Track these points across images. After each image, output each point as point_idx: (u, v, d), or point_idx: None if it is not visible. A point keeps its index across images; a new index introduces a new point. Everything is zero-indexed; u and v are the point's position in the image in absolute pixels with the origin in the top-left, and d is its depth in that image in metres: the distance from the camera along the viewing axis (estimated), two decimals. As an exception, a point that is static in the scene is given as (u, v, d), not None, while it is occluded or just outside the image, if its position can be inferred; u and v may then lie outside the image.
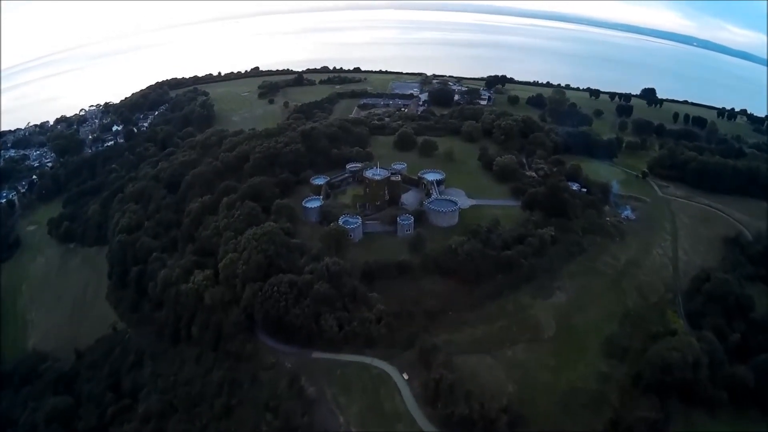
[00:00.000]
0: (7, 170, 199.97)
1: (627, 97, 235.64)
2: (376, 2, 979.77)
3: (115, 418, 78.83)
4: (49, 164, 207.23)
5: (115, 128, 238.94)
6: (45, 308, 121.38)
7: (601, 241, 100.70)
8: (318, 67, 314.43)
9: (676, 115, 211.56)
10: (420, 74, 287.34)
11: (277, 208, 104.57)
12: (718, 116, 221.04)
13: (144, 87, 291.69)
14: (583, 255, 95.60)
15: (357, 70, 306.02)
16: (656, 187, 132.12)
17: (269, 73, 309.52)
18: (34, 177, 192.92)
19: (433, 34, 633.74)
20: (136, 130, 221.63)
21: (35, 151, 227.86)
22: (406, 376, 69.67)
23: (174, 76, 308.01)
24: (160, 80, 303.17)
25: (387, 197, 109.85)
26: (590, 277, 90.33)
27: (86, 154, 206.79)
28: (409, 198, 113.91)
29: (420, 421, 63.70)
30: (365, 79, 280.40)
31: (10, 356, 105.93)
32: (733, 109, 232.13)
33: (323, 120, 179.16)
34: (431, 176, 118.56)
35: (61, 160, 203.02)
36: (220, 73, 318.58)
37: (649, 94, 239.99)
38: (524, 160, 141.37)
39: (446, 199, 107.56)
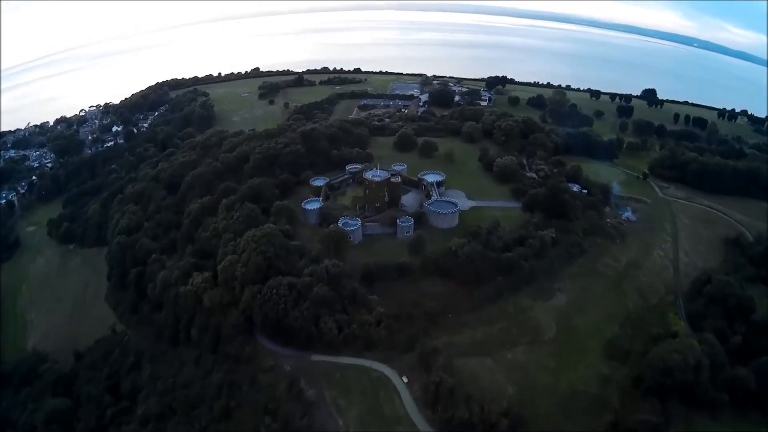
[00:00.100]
0: (6, 171, 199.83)
1: (627, 97, 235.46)
2: (377, 2, 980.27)
3: (114, 420, 78.57)
4: (49, 165, 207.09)
5: (115, 129, 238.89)
6: (45, 309, 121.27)
7: (602, 242, 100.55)
8: (318, 67, 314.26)
9: (676, 116, 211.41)
10: (420, 75, 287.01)
11: (277, 210, 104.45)
12: (719, 117, 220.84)
13: (144, 87, 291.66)
14: (583, 256, 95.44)
15: (357, 70, 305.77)
16: (657, 188, 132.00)
17: (269, 73, 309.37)
18: (34, 177, 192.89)
19: (433, 35, 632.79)
20: (136, 131, 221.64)
21: (35, 152, 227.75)
22: (405, 379, 69.44)
23: (174, 77, 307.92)
24: (160, 81, 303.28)
25: (387, 199, 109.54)
26: (591, 279, 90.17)
27: (86, 154, 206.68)
28: (409, 199, 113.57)
29: (420, 424, 63.52)
30: (365, 79, 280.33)
31: (10, 357, 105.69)
32: (733, 109, 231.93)
33: (323, 121, 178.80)
34: (431, 177, 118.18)
35: (61, 160, 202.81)
36: (220, 73, 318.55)
37: (649, 95, 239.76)
38: (525, 161, 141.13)
39: (446, 201, 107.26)
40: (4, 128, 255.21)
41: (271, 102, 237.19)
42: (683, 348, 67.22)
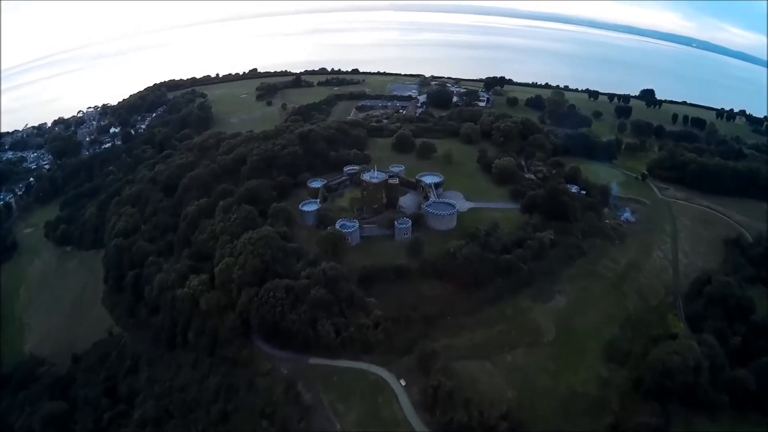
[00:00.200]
0: (4, 172, 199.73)
1: (626, 98, 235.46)
2: (376, 3, 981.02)
3: (111, 424, 78.40)
4: (47, 166, 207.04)
5: (112, 130, 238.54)
6: (42, 311, 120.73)
7: (601, 243, 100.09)
8: (316, 68, 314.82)
9: (675, 117, 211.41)
10: (418, 76, 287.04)
11: (274, 212, 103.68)
12: (718, 117, 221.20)
13: (142, 88, 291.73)
14: (582, 258, 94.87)
15: (355, 71, 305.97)
16: (656, 189, 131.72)
17: (267, 74, 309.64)
18: (32, 179, 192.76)
19: (432, 36, 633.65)
20: (133, 132, 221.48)
21: (32, 153, 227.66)
22: (403, 383, 68.87)
23: (172, 78, 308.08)
24: (158, 82, 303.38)
25: (385, 200, 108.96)
26: (590, 281, 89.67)
27: (83, 156, 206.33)
28: (407, 201, 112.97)
29: (418, 428, 62.96)
30: (363, 80, 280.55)
31: (7, 360, 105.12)
32: (732, 110, 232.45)
33: (321, 122, 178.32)
34: (429, 179, 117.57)
35: (59, 162, 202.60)
36: (218, 74, 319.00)
37: (648, 96, 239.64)
38: (523, 163, 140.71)
39: (444, 202, 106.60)
40: (3, 129, 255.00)
41: (269, 103, 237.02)
42: (683, 349, 66.99)
